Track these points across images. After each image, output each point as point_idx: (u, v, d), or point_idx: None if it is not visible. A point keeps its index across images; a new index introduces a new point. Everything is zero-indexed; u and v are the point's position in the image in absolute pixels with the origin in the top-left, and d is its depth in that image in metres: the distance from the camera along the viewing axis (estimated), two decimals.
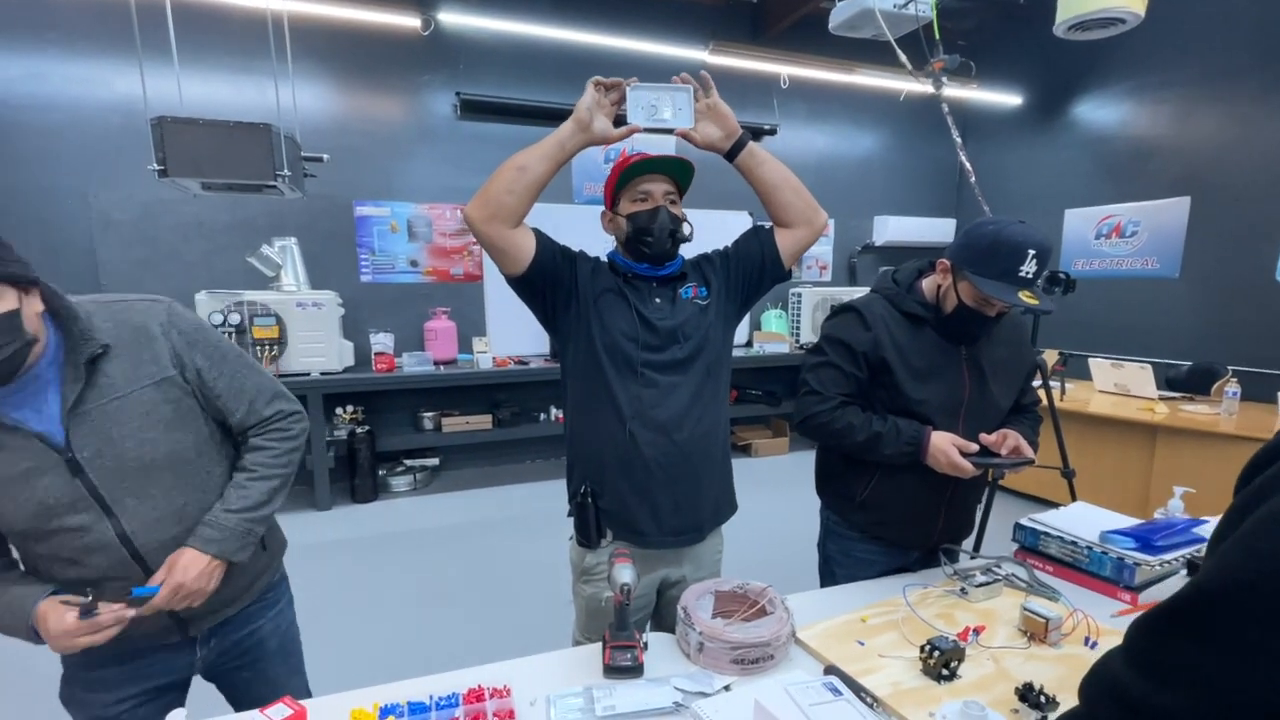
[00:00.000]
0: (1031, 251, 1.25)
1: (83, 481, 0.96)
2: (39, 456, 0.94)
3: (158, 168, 2.77)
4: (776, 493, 4.12)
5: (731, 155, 1.39)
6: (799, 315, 5.34)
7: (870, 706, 0.96)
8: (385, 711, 0.97)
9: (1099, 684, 0.51)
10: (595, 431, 1.37)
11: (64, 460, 0.95)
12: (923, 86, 4.08)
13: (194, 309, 2.88)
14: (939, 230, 5.74)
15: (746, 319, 5.38)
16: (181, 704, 1.17)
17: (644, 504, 1.35)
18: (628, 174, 1.37)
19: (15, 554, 1.04)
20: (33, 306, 0.92)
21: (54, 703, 1.12)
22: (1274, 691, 0.40)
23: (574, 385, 1.42)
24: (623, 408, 1.34)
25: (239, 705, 1.24)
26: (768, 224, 1.49)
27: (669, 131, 1.32)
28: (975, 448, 1.34)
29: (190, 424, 1.06)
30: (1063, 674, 1.05)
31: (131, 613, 0.96)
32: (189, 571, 1.00)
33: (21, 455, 0.93)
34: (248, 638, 1.21)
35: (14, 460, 0.92)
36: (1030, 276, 1.26)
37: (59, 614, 0.93)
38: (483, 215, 1.25)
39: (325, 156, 3.36)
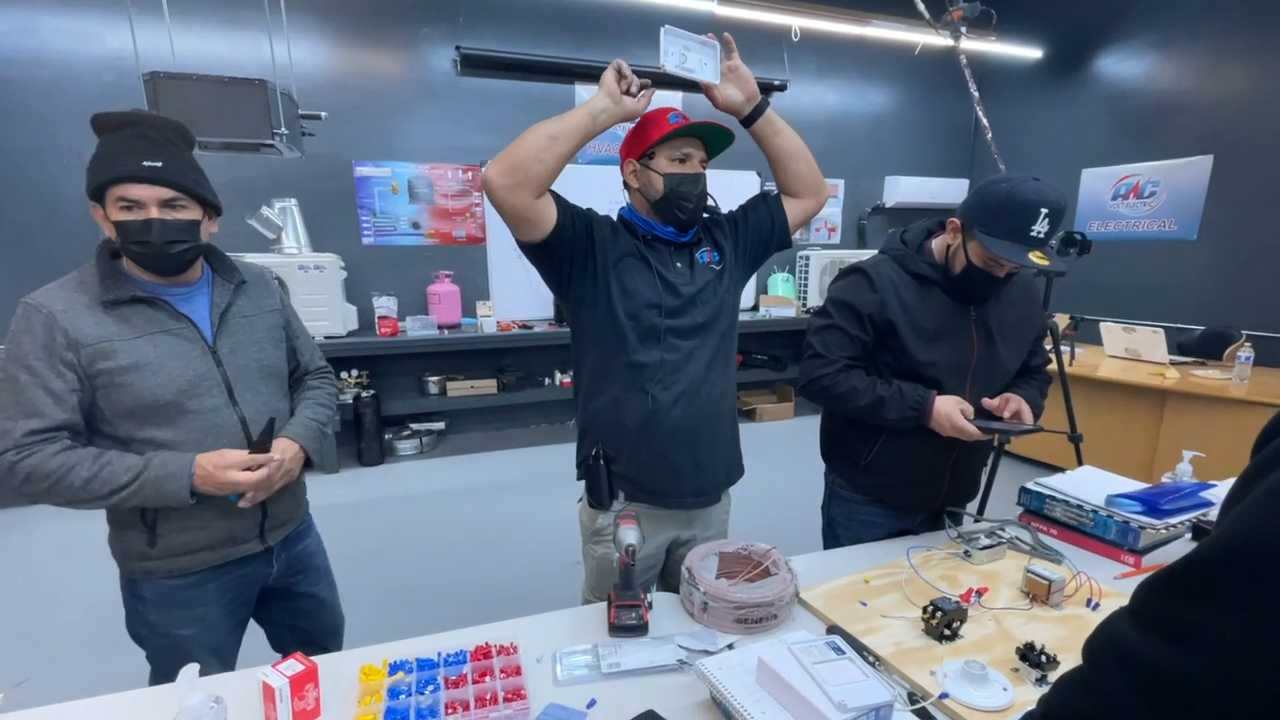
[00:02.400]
0: (1044, 211, 1.21)
1: (219, 371, 1.22)
2: (194, 343, 1.20)
3: None
4: (781, 458, 4.14)
5: (749, 121, 1.38)
6: (806, 279, 5.27)
7: (872, 665, 0.97)
8: (394, 667, 0.99)
9: (1103, 643, 0.50)
10: (614, 396, 1.36)
11: (210, 351, 1.21)
12: (940, 39, 3.92)
13: None
14: (951, 191, 5.61)
15: (753, 283, 5.32)
16: (247, 619, 1.38)
17: (665, 466, 1.36)
18: (676, 132, 1.31)
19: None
20: (209, 228, 1.23)
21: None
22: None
23: (589, 350, 1.39)
24: (645, 373, 1.33)
25: (293, 619, 1.44)
26: (774, 190, 1.47)
27: (693, 86, 1.31)
28: (973, 411, 1.33)
29: (283, 350, 1.37)
30: (1064, 634, 1.06)
31: (278, 458, 1.21)
32: (289, 451, 1.26)
33: (182, 339, 1.18)
34: (302, 552, 1.43)
35: (177, 342, 1.18)
36: (1042, 236, 1.23)
37: (220, 452, 1.15)
38: (508, 183, 1.18)
39: (323, 114, 3.29)
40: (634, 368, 1.33)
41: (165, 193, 1.11)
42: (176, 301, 1.19)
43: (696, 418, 1.35)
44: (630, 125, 1.38)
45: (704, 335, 1.37)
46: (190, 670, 0.75)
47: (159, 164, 1.10)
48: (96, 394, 1.12)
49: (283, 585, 1.40)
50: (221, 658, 1.29)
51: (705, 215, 1.42)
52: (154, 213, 1.11)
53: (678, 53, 1.26)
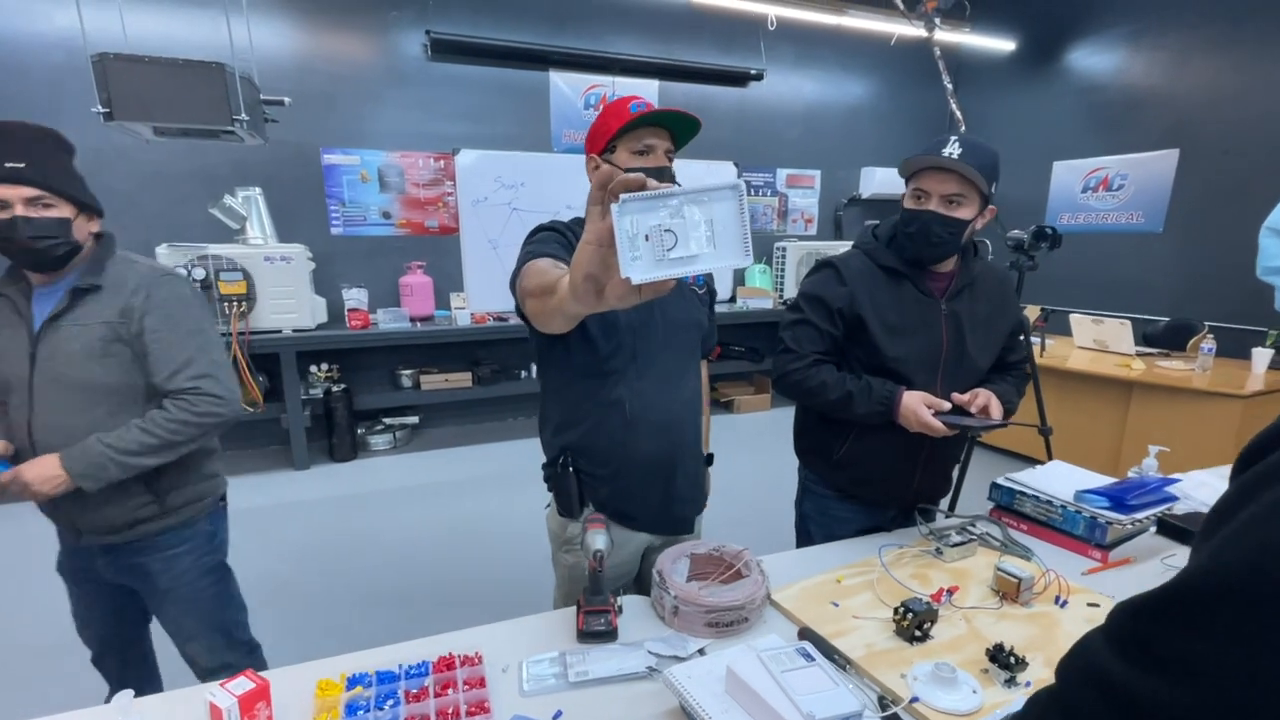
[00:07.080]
0: (954, 137, 1.28)
1: (30, 374, 1.23)
2: (22, 343, 1.24)
3: (102, 110, 2.58)
4: (757, 450, 4.15)
5: None
6: (783, 270, 5.27)
7: (843, 669, 0.97)
8: (353, 681, 0.95)
9: (1078, 667, 0.49)
10: (590, 422, 1.30)
11: (30, 353, 1.24)
12: (915, 29, 3.92)
13: None
14: None
15: (730, 274, 5.30)
16: (120, 609, 1.44)
17: (636, 496, 1.32)
18: (636, 122, 1.22)
19: None
20: (87, 227, 1.27)
21: None
22: (1274, 685, 0.38)
23: (560, 375, 1.33)
24: (625, 401, 1.27)
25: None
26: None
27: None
28: (948, 406, 1.32)
29: (115, 367, 1.27)
30: (1033, 634, 1.06)
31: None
32: (34, 470, 1.20)
33: (15, 336, 1.25)
34: (133, 570, 1.39)
35: (10, 338, 1.25)
36: (955, 157, 1.26)
37: None
38: (543, 325, 1.04)
39: (287, 100, 3.16)
40: (613, 395, 1.27)
41: (29, 191, 1.18)
42: (25, 298, 1.26)
43: (670, 451, 1.32)
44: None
45: (682, 357, 1.34)
46: (124, 696, 0.70)
47: (21, 165, 1.17)
48: None
49: (131, 589, 1.44)
50: (109, 641, 1.46)
51: None
52: (19, 210, 1.18)
53: (652, 234, 0.58)
